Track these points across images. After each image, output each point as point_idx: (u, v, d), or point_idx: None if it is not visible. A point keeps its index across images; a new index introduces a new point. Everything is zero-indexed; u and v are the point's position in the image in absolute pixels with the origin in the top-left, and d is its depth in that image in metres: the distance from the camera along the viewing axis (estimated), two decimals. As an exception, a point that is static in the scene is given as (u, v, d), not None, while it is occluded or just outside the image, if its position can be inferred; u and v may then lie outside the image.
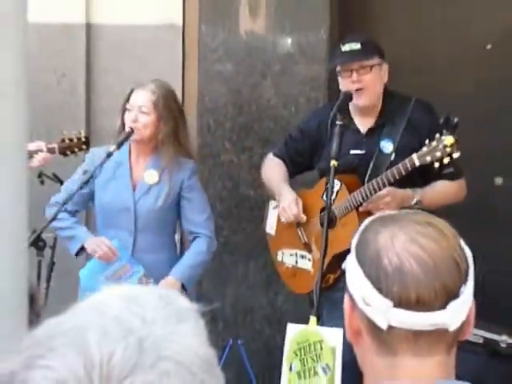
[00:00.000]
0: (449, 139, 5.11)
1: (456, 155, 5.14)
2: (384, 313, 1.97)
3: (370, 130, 5.59)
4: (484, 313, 6.83)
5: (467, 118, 5.81)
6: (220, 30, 7.09)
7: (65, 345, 1.31)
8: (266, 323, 6.90)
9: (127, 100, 5.77)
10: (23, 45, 2.00)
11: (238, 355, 6.89)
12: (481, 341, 6.91)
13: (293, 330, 4.96)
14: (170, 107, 5.74)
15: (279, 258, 5.98)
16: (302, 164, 5.86)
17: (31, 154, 5.95)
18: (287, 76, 7.07)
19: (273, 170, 5.93)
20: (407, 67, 6.04)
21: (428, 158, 5.15)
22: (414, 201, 5.38)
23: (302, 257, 5.78)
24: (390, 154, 5.43)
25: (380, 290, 1.97)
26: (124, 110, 5.78)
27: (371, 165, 5.46)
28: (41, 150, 6.06)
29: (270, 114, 7.07)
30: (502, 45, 7.41)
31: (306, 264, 5.76)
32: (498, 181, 7.25)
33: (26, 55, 2.01)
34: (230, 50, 7.11)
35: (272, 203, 5.97)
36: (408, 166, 5.21)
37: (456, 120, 5.30)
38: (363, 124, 5.62)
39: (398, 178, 5.27)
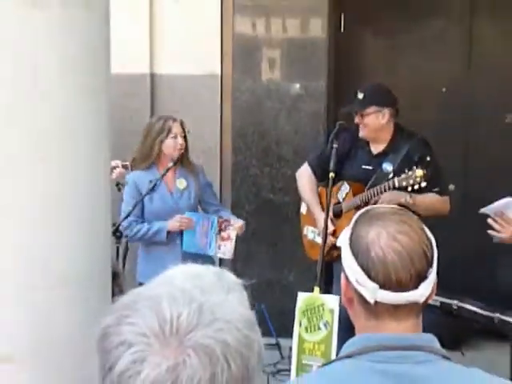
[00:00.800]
0: (419, 172, 5.17)
1: (423, 184, 5.18)
2: (372, 292, 1.96)
3: (379, 154, 5.62)
4: (440, 282, 7.01)
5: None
6: (247, 78, 7.23)
7: (145, 307, 1.31)
8: (282, 293, 6.97)
9: (169, 130, 5.75)
10: (107, 90, 2.00)
11: (262, 316, 6.98)
12: (438, 304, 6.97)
13: (302, 297, 4.99)
14: (184, 131, 5.82)
15: (305, 231, 6.03)
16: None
17: (111, 169, 6.10)
18: (296, 111, 7.22)
19: (306, 180, 5.92)
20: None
21: (404, 183, 5.22)
22: (407, 200, 5.28)
23: (319, 234, 5.71)
24: (389, 173, 5.42)
25: (369, 276, 1.96)
26: (163, 138, 5.76)
27: (373, 178, 5.50)
28: (118, 166, 6.10)
29: (284, 139, 7.20)
30: (453, 88, 7.55)
31: (319, 240, 5.62)
32: (451, 187, 7.35)
33: (109, 98, 2.01)
34: (255, 92, 7.23)
35: (304, 203, 6.05)
36: (391, 185, 5.29)
37: (428, 159, 5.39)
38: (375, 148, 5.65)
39: (384, 191, 5.30)
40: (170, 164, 5.78)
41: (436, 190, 5.60)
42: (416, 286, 1.97)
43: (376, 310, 2.00)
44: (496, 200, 5.08)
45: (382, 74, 7.48)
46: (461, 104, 7.53)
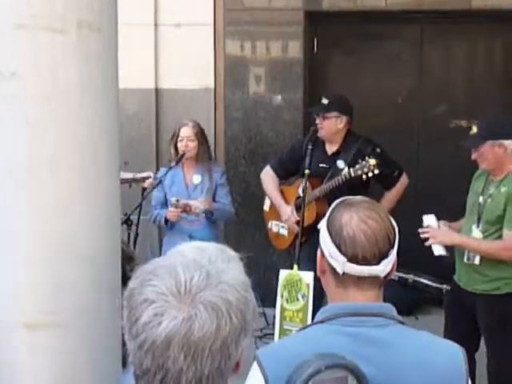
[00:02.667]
0: (372, 161, 5.11)
1: (376, 171, 5.11)
2: (341, 265, 1.99)
3: (333, 153, 5.58)
4: (399, 260, 7.01)
5: (385, 143, 5.92)
6: (236, 91, 7.25)
7: (163, 273, 1.39)
8: (267, 270, 6.96)
9: (178, 135, 5.74)
10: (117, 102, 1.94)
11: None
12: (396, 278, 7.01)
13: (283, 273, 4.99)
14: (202, 135, 5.77)
15: (269, 226, 5.99)
16: (290, 172, 5.80)
17: (144, 179, 6.07)
18: (278, 119, 7.24)
19: (269, 181, 5.87)
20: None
21: (359, 172, 5.15)
22: None
23: (282, 227, 5.81)
24: (342, 169, 5.34)
25: (340, 251, 1.99)
26: (176, 141, 5.75)
27: (329, 174, 5.43)
28: (150, 177, 6.06)
29: (268, 142, 7.20)
30: (407, 99, 7.60)
31: (284, 232, 5.81)
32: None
33: (117, 109, 1.96)
34: (243, 103, 7.24)
35: (267, 199, 5.99)
36: (347, 175, 5.23)
37: (378, 150, 5.34)
38: (330, 149, 5.61)
39: (342, 182, 5.25)
40: (172, 163, 5.75)
41: (396, 173, 5.61)
42: (378, 262, 2.00)
43: (344, 280, 2.02)
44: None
45: (348, 87, 7.43)
46: (413, 112, 7.60)
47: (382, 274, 2.03)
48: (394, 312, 2.04)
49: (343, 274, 2.00)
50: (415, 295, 7.17)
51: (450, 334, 4.71)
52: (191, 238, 5.54)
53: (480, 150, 4.52)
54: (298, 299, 4.95)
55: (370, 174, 5.14)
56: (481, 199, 4.63)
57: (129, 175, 6.01)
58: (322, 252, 2.06)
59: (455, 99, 7.61)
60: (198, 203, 5.66)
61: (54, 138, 1.68)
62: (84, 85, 1.70)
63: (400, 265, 6.75)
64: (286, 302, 5.01)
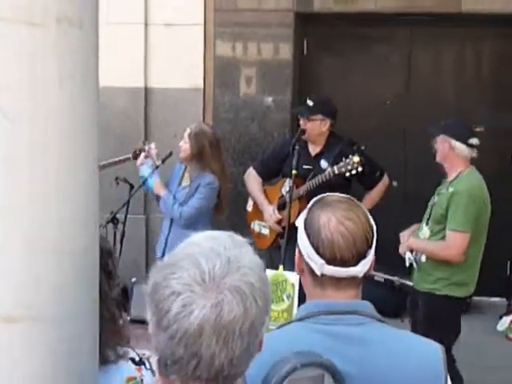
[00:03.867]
0: (356, 158, 5.17)
1: (360, 169, 5.17)
2: (319, 267, 1.99)
3: (316, 154, 5.63)
4: (385, 263, 7.01)
5: (372, 145, 5.97)
6: (226, 91, 7.27)
7: (186, 264, 1.45)
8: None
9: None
10: (97, 97, 1.85)
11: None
12: (382, 280, 7.03)
13: (268, 273, 4.95)
14: (196, 139, 5.51)
15: (252, 226, 6.01)
16: (272, 173, 5.87)
17: (122, 161, 6.07)
18: (266, 120, 7.28)
19: (253, 181, 5.94)
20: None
21: (343, 169, 5.20)
22: None
23: (264, 226, 5.84)
24: (326, 169, 5.38)
25: (318, 253, 1.98)
26: None
27: (312, 173, 5.45)
28: (129, 158, 6.02)
29: (256, 143, 7.24)
30: (395, 101, 7.62)
31: (266, 231, 5.84)
32: (394, 183, 7.41)
33: (97, 104, 1.88)
34: (232, 104, 7.28)
35: (250, 200, 6.04)
36: (331, 172, 5.28)
37: (362, 147, 5.40)
38: (313, 150, 5.66)
39: (325, 180, 5.28)
40: (158, 162, 5.74)
41: (377, 173, 5.66)
42: (356, 264, 2.00)
43: (322, 281, 2.02)
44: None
45: (336, 89, 7.58)
46: (401, 114, 7.65)
47: (360, 275, 2.03)
48: (372, 310, 2.04)
49: (321, 275, 2.00)
50: (401, 298, 6.96)
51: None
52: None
53: (437, 141, 4.88)
54: (283, 300, 4.89)
55: (354, 172, 5.18)
56: (435, 199, 4.82)
57: (109, 161, 6.00)
58: (299, 252, 2.06)
59: (444, 102, 7.62)
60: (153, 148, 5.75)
61: (31, 133, 1.67)
62: (63, 80, 1.68)
63: (386, 267, 6.79)
64: (272, 303, 5.03)
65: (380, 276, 7.01)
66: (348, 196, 2.13)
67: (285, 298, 4.89)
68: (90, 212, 1.89)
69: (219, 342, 1.42)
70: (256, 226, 5.98)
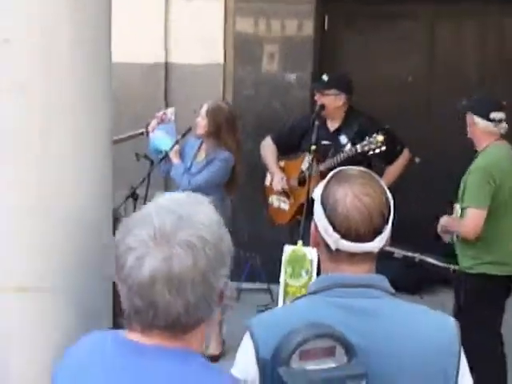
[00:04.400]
0: (380, 137, 5.14)
1: (384, 148, 5.13)
2: (335, 241, 1.98)
3: (335, 130, 5.59)
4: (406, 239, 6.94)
5: (393, 122, 5.95)
6: (246, 67, 7.26)
7: (141, 222, 1.56)
8: (273, 246, 6.95)
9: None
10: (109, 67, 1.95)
11: (256, 266, 7.12)
12: (401, 256, 6.99)
13: (287, 249, 4.80)
14: (213, 116, 5.52)
15: (270, 200, 5.99)
16: (289, 146, 5.81)
17: (138, 135, 6.02)
18: (287, 96, 7.25)
19: (268, 150, 5.94)
20: (357, 91, 6.10)
21: (365, 148, 5.17)
22: None
23: (284, 201, 5.85)
24: (345, 145, 5.40)
25: (333, 227, 1.97)
26: None
27: (332, 149, 5.43)
28: (143, 133, 5.96)
29: (277, 119, 7.10)
30: (417, 78, 7.55)
31: (285, 206, 5.85)
32: (417, 160, 7.39)
33: (109, 75, 1.97)
34: (252, 80, 7.25)
35: (268, 175, 6.00)
36: (353, 150, 5.26)
37: (387, 127, 5.40)
38: (331, 125, 5.61)
39: (348, 157, 5.24)
40: (178, 136, 5.74)
41: (398, 147, 5.62)
42: (372, 239, 1.98)
43: (337, 256, 2.01)
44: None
45: (358, 65, 7.51)
46: (423, 91, 7.58)
47: (376, 250, 2.02)
48: (386, 283, 2.03)
49: (336, 249, 1.99)
50: (421, 274, 7.09)
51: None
52: None
53: (466, 118, 4.82)
54: (301, 275, 4.86)
55: (377, 151, 5.16)
56: (465, 175, 4.77)
57: (123, 136, 5.94)
58: (315, 225, 2.05)
59: (467, 78, 7.55)
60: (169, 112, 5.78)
61: (44, 105, 1.69)
62: (76, 52, 1.71)
63: (407, 243, 6.67)
64: (290, 278, 4.96)
65: (400, 253, 6.98)
66: (366, 170, 2.11)
67: (303, 273, 4.85)
68: (104, 185, 1.93)
69: (172, 292, 1.52)
70: (275, 200, 5.97)
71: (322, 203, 2.01)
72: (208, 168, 5.55)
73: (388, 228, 2.01)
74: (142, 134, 6.00)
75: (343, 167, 2.12)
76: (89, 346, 1.68)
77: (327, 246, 2.01)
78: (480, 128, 4.71)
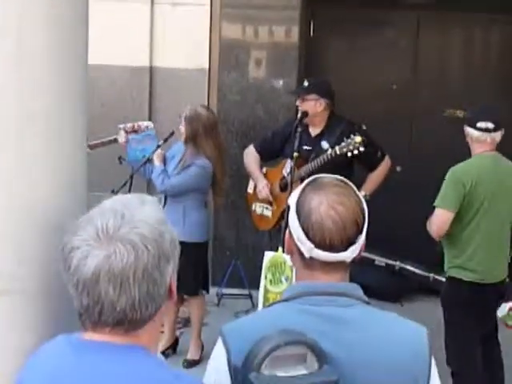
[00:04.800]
0: (358, 138, 5.11)
1: (362, 149, 5.10)
2: (308, 250, 1.98)
3: (316, 135, 5.60)
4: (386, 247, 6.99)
5: (378, 129, 5.97)
6: (231, 73, 7.25)
7: (85, 223, 1.63)
8: (255, 252, 6.97)
9: None
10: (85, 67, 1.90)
11: (238, 271, 7.08)
12: (383, 264, 7.04)
13: (268, 255, 4.88)
14: (190, 122, 5.52)
15: (253, 207, 6.00)
16: (272, 153, 5.84)
17: (111, 141, 5.94)
18: (272, 102, 7.23)
19: (251, 158, 5.95)
20: (341, 97, 6.12)
21: (344, 150, 5.15)
22: (364, 196, 5.26)
23: (266, 208, 5.85)
24: (327, 150, 5.34)
25: (307, 236, 1.97)
26: None
27: (313, 154, 5.43)
28: (116, 140, 5.91)
29: (261, 125, 7.16)
30: (401, 86, 7.59)
31: (268, 212, 5.86)
32: (398, 168, 7.41)
33: (85, 76, 1.92)
34: (237, 85, 7.24)
35: (251, 182, 6.01)
36: (332, 153, 5.24)
37: (364, 127, 5.41)
38: (313, 131, 5.62)
39: (327, 160, 5.25)
40: (161, 142, 5.75)
41: (379, 154, 5.61)
42: (345, 249, 1.98)
43: (311, 264, 2.01)
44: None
45: (343, 72, 7.59)
46: (407, 99, 7.62)
47: (349, 260, 2.02)
48: (360, 291, 2.03)
49: (310, 258, 1.99)
50: (401, 282, 7.17)
51: None
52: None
53: None
54: (281, 281, 4.88)
55: (356, 152, 5.13)
56: None
57: (96, 141, 5.90)
58: (290, 232, 2.05)
59: (450, 88, 7.61)
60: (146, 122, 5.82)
61: (18, 105, 1.68)
62: (51, 52, 1.69)
63: (387, 251, 6.73)
64: (270, 284, 4.98)
65: (380, 260, 7.03)
66: (342, 178, 2.10)
67: (283, 279, 4.88)
68: (77, 186, 1.91)
69: (116, 289, 1.58)
70: (258, 207, 5.98)
71: (297, 211, 2.01)
72: (184, 172, 5.55)
73: (362, 238, 2.01)
74: (114, 140, 5.96)
75: (318, 175, 2.12)
76: (49, 351, 1.70)
77: (301, 253, 2.01)
78: (470, 137, 4.76)
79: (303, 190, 2.05)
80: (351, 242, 1.99)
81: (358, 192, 2.07)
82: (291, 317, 1.97)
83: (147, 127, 5.88)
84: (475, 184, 4.59)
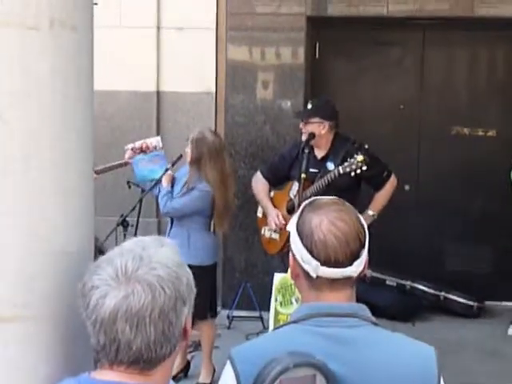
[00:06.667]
0: (360, 157, 5.11)
1: (364, 168, 5.09)
2: (314, 268, 1.99)
3: (322, 158, 5.60)
4: (397, 266, 6.99)
5: (385, 149, 6.00)
6: (238, 95, 7.30)
7: (104, 264, 1.67)
8: (264, 274, 6.98)
9: None
10: (91, 100, 1.90)
11: (247, 293, 7.07)
12: (394, 284, 7.03)
13: (278, 277, 4.83)
14: (196, 145, 5.50)
15: (262, 231, 5.99)
16: (279, 178, 5.84)
17: (119, 166, 6.00)
18: (279, 123, 7.28)
19: (260, 186, 5.94)
20: (348, 118, 6.15)
21: (347, 169, 5.15)
22: (371, 216, 5.44)
23: (274, 231, 5.81)
24: (332, 170, 5.34)
25: (312, 255, 1.99)
26: None
27: (319, 175, 5.42)
28: (126, 164, 5.91)
29: (268, 146, 7.24)
30: (408, 105, 7.62)
31: (276, 236, 5.83)
32: (407, 188, 7.44)
33: (92, 107, 1.92)
34: (244, 107, 7.29)
35: (260, 208, 6.01)
36: (336, 173, 5.25)
37: (366, 146, 5.32)
38: (319, 153, 5.62)
39: (331, 180, 5.26)
40: (169, 165, 5.77)
41: (385, 173, 5.61)
42: (351, 264, 1.99)
43: (317, 283, 2.02)
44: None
45: (349, 93, 7.66)
46: (414, 119, 7.66)
47: (355, 275, 2.03)
48: (367, 312, 2.04)
49: (317, 277, 2.00)
50: (412, 302, 7.15)
51: None
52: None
53: None
54: (291, 303, 4.86)
55: (359, 171, 5.13)
56: None
57: (103, 166, 5.93)
58: (293, 255, 2.06)
59: (457, 106, 7.64)
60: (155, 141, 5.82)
61: (24, 135, 1.70)
62: (55, 82, 1.71)
63: (398, 271, 6.74)
64: (280, 306, 4.97)
65: (391, 280, 7.02)
66: (337, 198, 2.13)
67: (293, 301, 4.83)
68: (85, 213, 1.92)
69: (133, 329, 1.62)
70: (266, 231, 5.97)
71: (298, 233, 2.03)
72: (187, 195, 5.54)
73: (365, 252, 2.03)
74: (125, 164, 5.97)
75: (316, 197, 2.14)
76: None
77: (307, 274, 2.02)
78: None
79: (302, 212, 2.07)
80: (355, 257, 2.00)
81: (355, 210, 2.09)
82: (300, 338, 1.97)
83: (155, 147, 5.90)
84: None
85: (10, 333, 1.77)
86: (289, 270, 4.85)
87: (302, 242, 2.01)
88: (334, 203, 2.08)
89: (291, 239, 2.07)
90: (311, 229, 2.00)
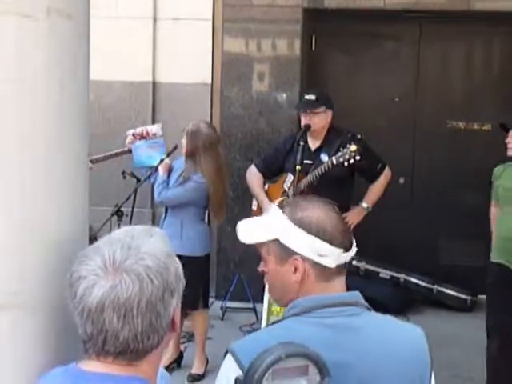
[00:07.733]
0: (352, 147, 5.09)
1: (358, 158, 5.08)
2: (337, 257, 2.00)
3: (316, 149, 5.59)
4: (390, 259, 7.01)
5: (380, 142, 6.00)
6: (233, 87, 7.30)
7: (92, 253, 1.66)
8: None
9: None
10: (86, 89, 1.89)
11: (241, 285, 7.09)
12: (388, 277, 7.05)
13: None
14: (191, 138, 5.54)
15: None
16: (274, 171, 5.85)
17: (117, 154, 6.03)
18: (274, 115, 7.28)
19: (254, 180, 5.92)
20: (344, 111, 6.15)
21: (340, 159, 5.14)
22: (366, 208, 5.47)
23: None
24: (326, 162, 5.32)
25: (333, 244, 2.00)
26: None
27: (313, 167, 5.39)
28: (124, 152, 6.02)
29: (264, 138, 7.24)
30: (404, 98, 7.62)
31: None
32: (401, 180, 7.44)
33: (87, 98, 1.92)
34: (240, 99, 7.29)
35: (255, 200, 5.99)
36: (329, 163, 5.23)
37: (359, 136, 5.35)
38: (313, 144, 5.61)
39: (324, 171, 5.26)
40: (164, 156, 5.78)
41: (379, 166, 5.61)
42: (351, 247, 2.06)
43: (328, 273, 2.03)
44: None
45: (345, 85, 7.66)
46: (410, 112, 7.67)
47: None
48: (362, 299, 2.07)
49: (336, 266, 2.02)
50: (406, 295, 7.20)
51: None
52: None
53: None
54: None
55: (352, 161, 5.12)
56: None
57: (99, 155, 5.96)
58: (300, 259, 2.02)
59: (452, 100, 7.65)
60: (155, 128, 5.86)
61: (19, 125, 1.70)
62: (52, 70, 1.71)
63: (391, 263, 6.73)
64: (274, 298, 5.06)
65: (385, 273, 7.04)
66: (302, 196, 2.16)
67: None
68: (79, 202, 1.92)
69: (120, 319, 1.61)
70: None
71: (305, 229, 2.01)
72: (181, 186, 5.57)
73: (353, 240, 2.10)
74: (121, 153, 6.02)
75: (292, 199, 2.17)
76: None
77: (322, 268, 2.01)
78: None
79: (289, 213, 2.05)
80: (351, 242, 2.06)
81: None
82: (304, 330, 1.97)
83: (155, 134, 5.92)
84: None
85: (0, 320, 1.77)
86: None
87: (317, 236, 2.00)
88: (315, 200, 2.10)
89: (291, 242, 2.02)
90: (317, 222, 2.01)
